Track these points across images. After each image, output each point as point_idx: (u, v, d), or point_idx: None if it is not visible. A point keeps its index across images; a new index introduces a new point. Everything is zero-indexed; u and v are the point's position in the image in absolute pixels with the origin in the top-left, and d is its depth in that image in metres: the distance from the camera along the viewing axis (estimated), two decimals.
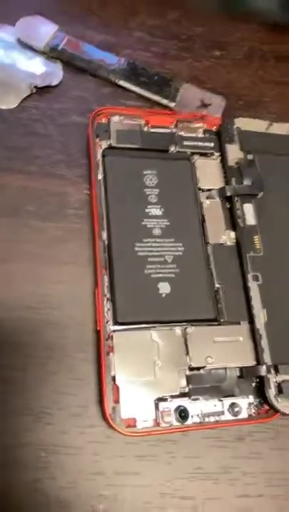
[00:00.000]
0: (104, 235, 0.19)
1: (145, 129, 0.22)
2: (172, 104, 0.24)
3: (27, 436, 0.16)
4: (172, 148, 0.22)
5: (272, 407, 0.17)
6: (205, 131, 0.23)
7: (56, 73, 0.24)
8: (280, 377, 0.17)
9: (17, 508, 0.15)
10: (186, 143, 0.23)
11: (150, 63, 0.26)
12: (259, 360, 0.18)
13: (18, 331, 0.17)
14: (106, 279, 0.18)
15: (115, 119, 0.22)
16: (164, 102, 0.24)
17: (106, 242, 0.19)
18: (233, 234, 0.21)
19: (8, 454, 0.15)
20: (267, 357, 0.18)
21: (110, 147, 0.21)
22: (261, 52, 0.28)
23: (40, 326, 0.18)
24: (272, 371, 0.17)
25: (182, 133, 0.23)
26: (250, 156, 0.23)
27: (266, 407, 0.18)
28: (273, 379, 0.17)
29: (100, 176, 0.21)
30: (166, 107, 0.24)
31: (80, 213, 0.20)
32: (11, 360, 0.17)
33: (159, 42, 0.27)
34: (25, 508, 0.15)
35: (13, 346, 0.17)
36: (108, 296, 0.18)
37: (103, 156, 0.21)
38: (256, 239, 0.20)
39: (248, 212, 0.21)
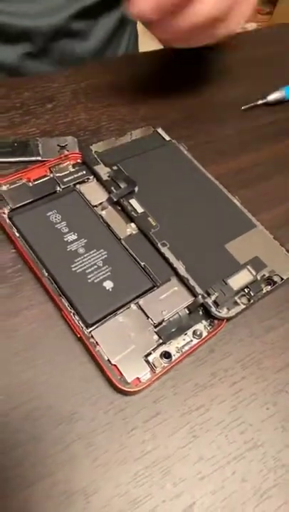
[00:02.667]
0: (45, 272, 0.24)
1: (30, 184, 0.28)
2: (39, 158, 0.30)
3: (70, 435, 0.20)
4: (58, 188, 0.28)
5: (218, 317, 0.24)
6: (74, 165, 0.29)
7: None
8: (212, 297, 0.24)
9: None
10: (65, 180, 0.28)
11: (4, 136, 0.31)
12: (195, 295, 0.24)
13: None
14: (64, 301, 0.23)
15: (4, 188, 0.27)
16: (33, 158, 0.30)
17: (48, 276, 0.24)
18: (133, 224, 0.27)
19: (62, 456, 0.19)
20: (198, 289, 0.24)
21: (12, 210, 0.26)
22: (81, 89, 0.35)
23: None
24: (206, 295, 0.24)
25: (58, 174, 0.28)
26: (114, 167, 0.29)
27: (216, 321, 0.24)
28: (208, 300, 0.24)
29: (17, 234, 0.25)
30: (36, 161, 0.30)
31: (17, 268, 0.25)
32: None
33: (0, 117, 0.32)
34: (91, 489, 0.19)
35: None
36: (72, 311, 0.23)
37: (10, 218, 0.26)
38: (150, 219, 0.27)
39: (135, 205, 0.28)
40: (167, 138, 0.32)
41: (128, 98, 0.36)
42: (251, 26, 1.93)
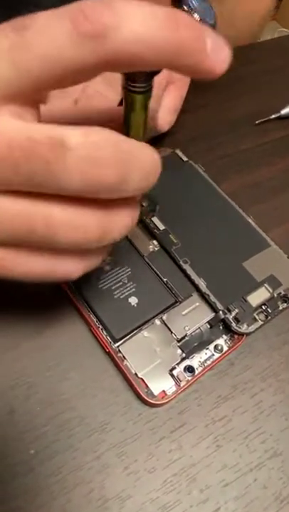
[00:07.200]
0: (74, 289, 0.25)
1: None
2: None
3: (103, 445, 0.21)
4: None
5: (238, 333, 0.25)
6: None
7: None
8: (233, 313, 0.25)
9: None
10: None
11: None
12: (215, 310, 0.26)
13: None
14: (92, 317, 0.25)
15: None
16: None
17: (77, 293, 0.25)
18: (155, 241, 0.28)
19: (96, 464, 0.21)
20: (219, 305, 0.26)
21: None
22: None
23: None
24: (226, 311, 0.25)
25: None
26: None
27: (236, 336, 0.25)
28: (229, 316, 0.25)
29: None
30: None
31: (48, 286, 0.26)
32: None
33: None
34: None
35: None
36: (100, 326, 0.24)
37: None
38: (171, 236, 0.28)
39: (157, 222, 0.29)
40: (185, 159, 0.33)
41: None
42: None
